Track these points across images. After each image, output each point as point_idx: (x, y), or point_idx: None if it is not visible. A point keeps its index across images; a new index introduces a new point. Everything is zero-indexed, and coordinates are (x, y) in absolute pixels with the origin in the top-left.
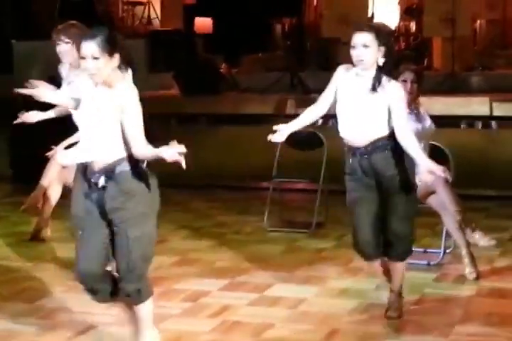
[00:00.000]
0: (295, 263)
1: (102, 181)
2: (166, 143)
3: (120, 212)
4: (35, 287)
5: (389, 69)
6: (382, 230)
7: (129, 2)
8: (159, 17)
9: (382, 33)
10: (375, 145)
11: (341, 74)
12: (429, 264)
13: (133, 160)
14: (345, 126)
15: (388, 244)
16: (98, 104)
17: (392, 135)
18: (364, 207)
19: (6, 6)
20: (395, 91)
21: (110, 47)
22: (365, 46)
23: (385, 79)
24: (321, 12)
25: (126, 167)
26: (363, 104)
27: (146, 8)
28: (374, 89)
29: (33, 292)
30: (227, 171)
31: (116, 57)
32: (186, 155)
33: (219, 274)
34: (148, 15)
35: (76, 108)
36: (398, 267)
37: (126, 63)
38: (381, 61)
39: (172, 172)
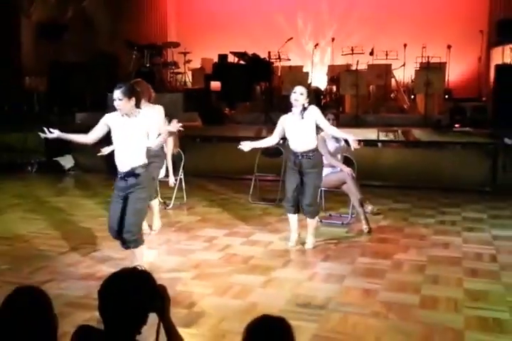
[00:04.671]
0: (267, 221)
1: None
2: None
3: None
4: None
5: (310, 102)
6: (301, 198)
7: (173, 72)
8: (191, 81)
9: (309, 90)
10: (306, 152)
11: (284, 119)
12: (342, 223)
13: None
14: (291, 142)
15: (305, 207)
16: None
17: (316, 149)
18: (292, 180)
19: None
20: (315, 112)
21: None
22: (301, 94)
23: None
24: (282, 79)
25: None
26: (299, 128)
27: (184, 75)
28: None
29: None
30: (228, 169)
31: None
32: (205, 159)
33: (223, 227)
34: (184, 80)
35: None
36: (311, 222)
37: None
38: (306, 102)
39: (199, 170)
